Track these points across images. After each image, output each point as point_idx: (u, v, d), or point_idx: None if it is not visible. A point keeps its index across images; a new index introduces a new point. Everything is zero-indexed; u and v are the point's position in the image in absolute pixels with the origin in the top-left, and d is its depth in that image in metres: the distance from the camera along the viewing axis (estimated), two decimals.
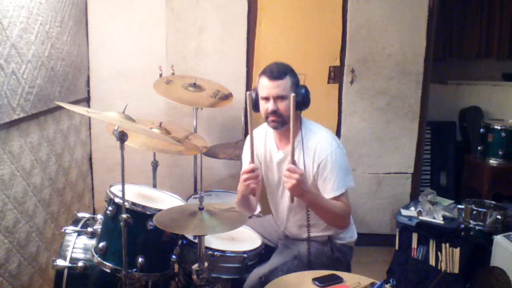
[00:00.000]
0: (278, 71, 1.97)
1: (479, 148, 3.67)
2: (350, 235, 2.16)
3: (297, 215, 2.11)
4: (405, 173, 3.46)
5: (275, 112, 1.96)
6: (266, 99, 1.98)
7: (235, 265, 2.05)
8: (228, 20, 3.24)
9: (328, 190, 1.98)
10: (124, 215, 1.87)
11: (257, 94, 2.02)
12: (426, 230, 2.84)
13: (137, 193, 2.27)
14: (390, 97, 3.36)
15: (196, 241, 1.90)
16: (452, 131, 4.24)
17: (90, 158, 3.36)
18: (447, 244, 2.69)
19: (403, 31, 3.27)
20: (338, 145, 2.03)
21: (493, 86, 4.27)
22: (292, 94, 1.85)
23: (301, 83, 2.06)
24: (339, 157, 1.99)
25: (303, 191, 1.87)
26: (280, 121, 1.98)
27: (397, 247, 2.97)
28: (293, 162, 1.88)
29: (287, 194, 2.05)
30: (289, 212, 2.13)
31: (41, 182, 2.53)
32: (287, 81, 1.96)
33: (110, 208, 2.03)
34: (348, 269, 2.13)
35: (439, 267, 2.73)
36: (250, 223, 2.34)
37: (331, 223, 2.05)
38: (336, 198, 1.98)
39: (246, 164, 2.08)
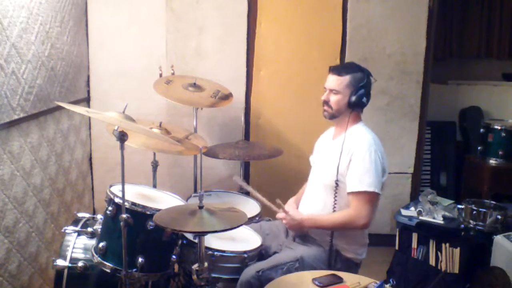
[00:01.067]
0: (340, 68, 2.15)
1: (479, 148, 3.67)
2: (359, 252, 2.16)
3: (323, 197, 2.15)
4: (405, 173, 3.46)
5: (326, 103, 2.15)
6: (325, 89, 2.17)
7: (235, 265, 2.05)
8: (228, 20, 3.24)
9: (348, 185, 2.03)
10: (124, 215, 1.87)
11: None
12: (426, 230, 2.84)
13: (137, 193, 2.27)
14: (390, 97, 3.36)
15: (196, 241, 1.90)
16: (452, 131, 4.24)
17: (90, 158, 3.36)
18: (447, 244, 2.69)
19: (403, 31, 3.28)
20: (377, 150, 2.04)
21: (493, 86, 4.27)
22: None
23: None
24: (372, 159, 2.01)
25: (298, 228, 2.13)
26: (329, 112, 2.16)
27: (397, 247, 2.97)
28: (284, 211, 2.14)
29: (317, 177, 2.24)
30: (314, 195, 2.20)
31: (41, 182, 2.53)
32: (344, 79, 2.09)
33: (110, 208, 2.03)
34: None
35: (439, 267, 2.73)
36: (258, 226, 2.36)
37: (345, 230, 2.10)
38: (352, 194, 2.01)
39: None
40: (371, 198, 2.00)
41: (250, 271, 1.96)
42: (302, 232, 2.16)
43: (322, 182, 2.17)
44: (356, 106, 2.10)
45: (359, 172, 2.00)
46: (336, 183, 2.07)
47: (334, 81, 2.11)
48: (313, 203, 2.20)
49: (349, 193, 2.03)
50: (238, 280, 1.97)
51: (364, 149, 2.03)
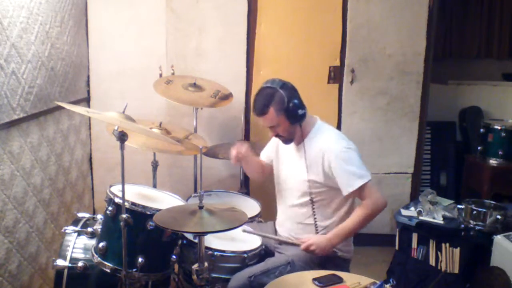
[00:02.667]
0: (258, 107, 2.06)
1: (479, 148, 3.67)
2: (347, 249, 2.15)
3: (301, 209, 2.14)
4: (405, 173, 3.46)
5: (277, 136, 2.13)
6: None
7: (235, 265, 2.05)
8: (228, 20, 3.24)
9: (344, 186, 2.02)
10: (124, 215, 1.87)
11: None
12: (426, 230, 2.84)
13: (137, 193, 2.27)
14: (390, 97, 3.36)
15: (196, 241, 1.90)
16: (452, 131, 4.24)
17: (90, 158, 3.36)
18: (447, 244, 2.69)
19: (403, 31, 3.27)
20: (348, 144, 2.06)
21: (493, 86, 4.27)
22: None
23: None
24: (349, 154, 2.02)
25: (328, 248, 2.02)
26: (285, 139, 2.13)
27: (397, 247, 2.97)
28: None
29: (290, 186, 2.19)
30: (291, 214, 2.17)
31: (41, 182, 2.53)
32: (271, 113, 2.04)
33: (110, 208, 2.03)
34: None
35: (439, 267, 2.73)
36: (258, 226, 2.35)
37: (371, 220, 2.07)
38: (354, 193, 2.01)
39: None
40: (370, 184, 2.02)
41: (241, 277, 1.95)
42: (331, 252, 2.08)
43: (296, 199, 2.15)
44: (299, 119, 2.06)
45: (347, 172, 2.00)
46: (311, 197, 2.07)
47: (264, 120, 2.07)
48: (293, 224, 2.18)
49: (350, 193, 2.02)
50: (228, 285, 1.96)
51: (337, 150, 2.03)
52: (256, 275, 1.95)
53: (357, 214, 2.03)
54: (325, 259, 2.07)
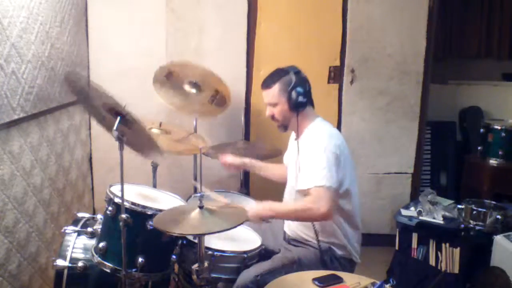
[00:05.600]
0: (267, 81, 2.12)
1: (479, 148, 3.67)
2: (350, 249, 2.14)
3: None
4: (405, 173, 3.46)
5: (272, 117, 2.15)
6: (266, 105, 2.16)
7: (235, 265, 2.05)
8: (228, 20, 3.25)
9: (299, 181, 2.02)
10: (124, 215, 1.87)
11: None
12: (426, 230, 2.84)
13: (137, 193, 2.27)
14: (390, 97, 3.36)
15: (196, 241, 1.90)
16: (452, 131, 4.25)
17: (90, 158, 3.36)
18: (447, 244, 2.69)
19: (403, 31, 3.28)
20: (329, 144, 2.00)
21: (493, 86, 4.28)
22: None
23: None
24: (323, 154, 1.97)
25: (255, 216, 2.01)
26: (280, 125, 2.16)
27: (397, 247, 2.97)
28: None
29: (288, 183, 2.22)
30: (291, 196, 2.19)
31: (41, 182, 2.53)
32: (274, 89, 2.08)
33: (110, 208, 2.03)
34: None
35: (439, 267, 2.73)
36: (258, 226, 2.34)
37: (301, 220, 2.09)
38: (303, 191, 1.99)
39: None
40: (323, 190, 1.93)
41: (248, 275, 1.95)
42: (265, 221, 2.08)
43: (293, 190, 2.16)
44: (297, 107, 2.07)
45: (307, 171, 1.98)
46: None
47: (267, 95, 2.11)
48: (296, 223, 2.19)
49: (301, 191, 2.00)
50: (235, 283, 1.96)
51: (314, 149, 2.01)
52: (263, 274, 1.94)
53: (294, 205, 2.05)
54: (330, 260, 2.08)
